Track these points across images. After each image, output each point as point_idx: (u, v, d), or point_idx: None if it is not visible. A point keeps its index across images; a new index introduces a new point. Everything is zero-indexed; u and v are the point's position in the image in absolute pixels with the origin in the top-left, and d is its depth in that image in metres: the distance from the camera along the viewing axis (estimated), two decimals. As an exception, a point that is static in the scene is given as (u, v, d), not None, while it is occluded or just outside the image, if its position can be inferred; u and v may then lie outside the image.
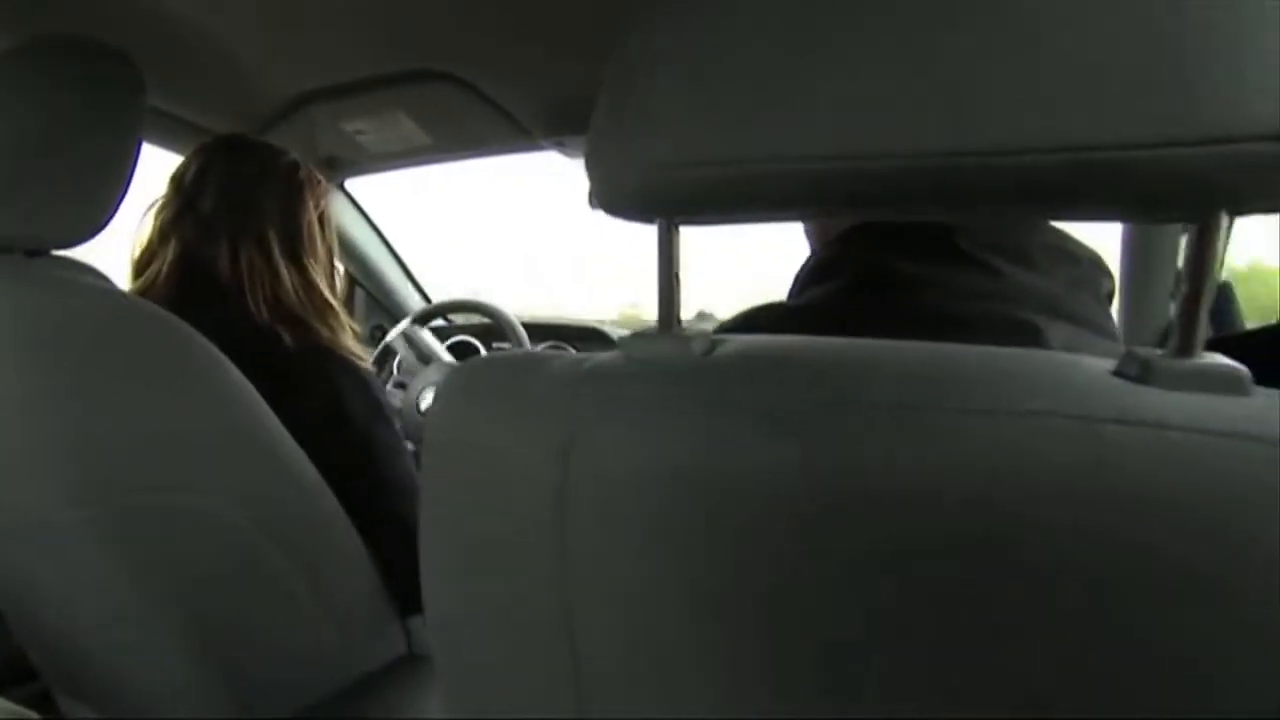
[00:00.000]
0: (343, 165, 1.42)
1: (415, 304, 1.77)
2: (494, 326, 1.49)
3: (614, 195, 0.32)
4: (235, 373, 0.64)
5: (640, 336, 0.32)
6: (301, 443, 0.70)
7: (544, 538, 0.30)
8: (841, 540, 0.26)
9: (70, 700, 0.88)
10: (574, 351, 1.52)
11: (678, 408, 0.29)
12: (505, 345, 1.46)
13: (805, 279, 0.46)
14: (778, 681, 0.28)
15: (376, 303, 1.75)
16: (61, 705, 0.89)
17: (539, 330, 1.54)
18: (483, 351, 1.52)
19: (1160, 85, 0.24)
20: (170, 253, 0.77)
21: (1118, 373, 0.26)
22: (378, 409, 0.83)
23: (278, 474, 0.67)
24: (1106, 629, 0.23)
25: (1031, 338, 0.36)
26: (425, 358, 1.46)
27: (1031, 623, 0.24)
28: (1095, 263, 0.42)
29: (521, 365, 0.33)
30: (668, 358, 0.30)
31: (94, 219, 0.63)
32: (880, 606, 0.26)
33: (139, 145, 0.66)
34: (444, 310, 1.57)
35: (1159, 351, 0.26)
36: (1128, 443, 0.23)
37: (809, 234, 0.55)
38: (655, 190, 0.30)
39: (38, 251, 0.62)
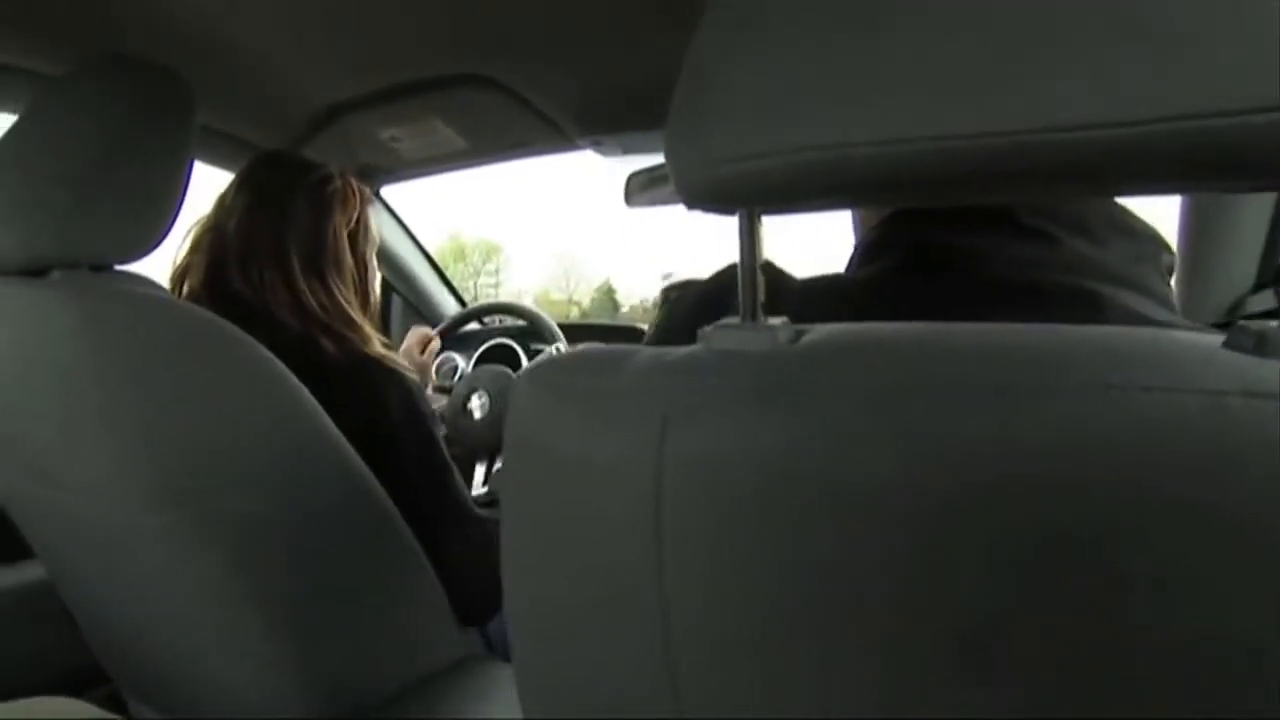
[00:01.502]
0: (379, 173, 1.44)
1: (450, 309, 1.79)
2: (529, 328, 1.50)
3: (694, 188, 0.31)
4: (292, 378, 0.65)
5: (722, 328, 0.32)
6: None
7: (638, 531, 0.30)
8: (948, 526, 0.26)
9: (139, 704, 0.91)
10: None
11: (773, 396, 0.28)
12: (543, 347, 1.46)
13: (857, 261, 0.46)
14: (878, 671, 0.28)
15: (412, 309, 1.77)
16: (131, 709, 0.92)
17: (573, 331, 1.55)
18: (520, 353, 1.53)
19: (1268, 49, 0.23)
20: (198, 270, 0.80)
21: (1228, 345, 0.26)
22: (419, 418, 0.82)
23: (338, 478, 0.68)
24: (1238, 608, 0.22)
25: (1095, 305, 0.36)
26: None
27: (1160, 604, 0.23)
28: (1154, 238, 0.42)
29: (603, 361, 0.33)
30: (753, 348, 0.30)
31: (153, 234, 0.64)
32: (991, 592, 0.26)
33: (192, 161, 0.67)
34: (481, 313, 1.59)
35: (1273, 324, 0.25)
36: (1257, 417, 0.22)
37: (856, 219, 0.55)
38: (734, 181, 0.30)
39: (102, 266, 0.63)
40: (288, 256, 0.81)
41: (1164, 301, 0.39)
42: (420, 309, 1.76)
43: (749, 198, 0.31)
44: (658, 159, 1.28)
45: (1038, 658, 0.26)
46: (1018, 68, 0.25)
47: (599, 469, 0.31)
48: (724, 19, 0.31)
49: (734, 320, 0.32)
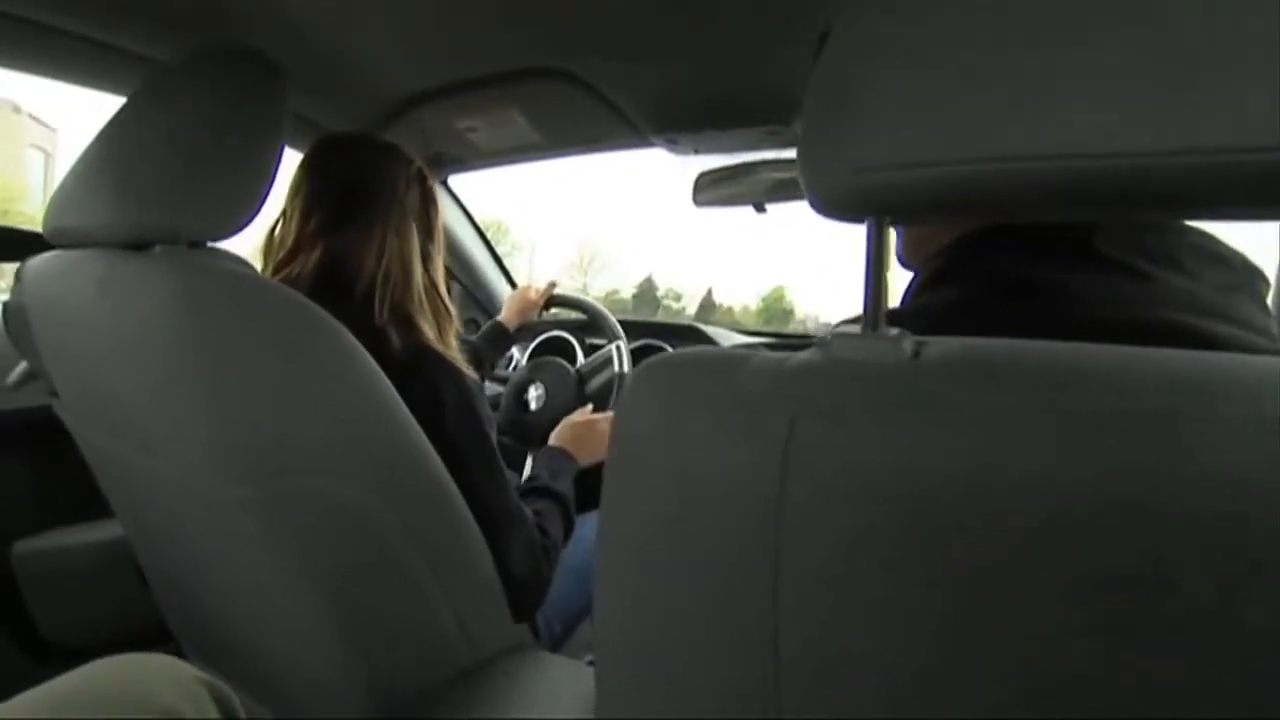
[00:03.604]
0: (448, 162, 1.46)
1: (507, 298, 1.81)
2: (587, 322, 1.50)
3: (827, 196, 0.31)
4: (372, 362, 0.67)
5: (843, 337, 0.31)
6: None
7: (756, 537, 0.30)
8: (1072, 551, 0.25)
9: (199, 665, 0.94)
10: (669, 349, 1.51)
11: (897, 410, 0.28)
12: (600, 341, 1.47)
13: (923, 283, 0.45)
14: (999, 696, 0.27)
15: (471, 296, 1.79)
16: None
17: (631, 327, 1.55)
18: (577, 346, 1.54)
19: None
20: (317, 252, 0.80)
21: None
22: (475, 418, 0.82)
23: (408, 462, 0.69)
24: None
25: (1194, 342, 0.34)
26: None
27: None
28: (1248, 266, 0.40)
29: (720, 365, 0.33)
30: (876, 359, 0.29)
31: (246, 213, 0.66)
32: (1106, 625, 0.25)
33: (283, 144, 0.69)
34: (568, 304, 1.58)
35: None
36: None
37: (900, 237, 0.53)
38: (869, 190, 0.30)
39: (198, 243, 0.65)
40: (411, 243, 0.83)
41: (1262, 331, 0.37)
42: (478, 298, 1.78)
43: (883, 207, 0.30)
44: (728, 159, 1.27)
45: (1123, 691, 0.25)
46: (1175, 88, 0.24)
47: (718, 474, 0.31)
48: (857, 28, 0.31)
49: (854, 328, 0.31)
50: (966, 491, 0.26)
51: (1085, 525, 0.25)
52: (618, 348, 1.31)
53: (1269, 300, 0.45)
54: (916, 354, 0.29)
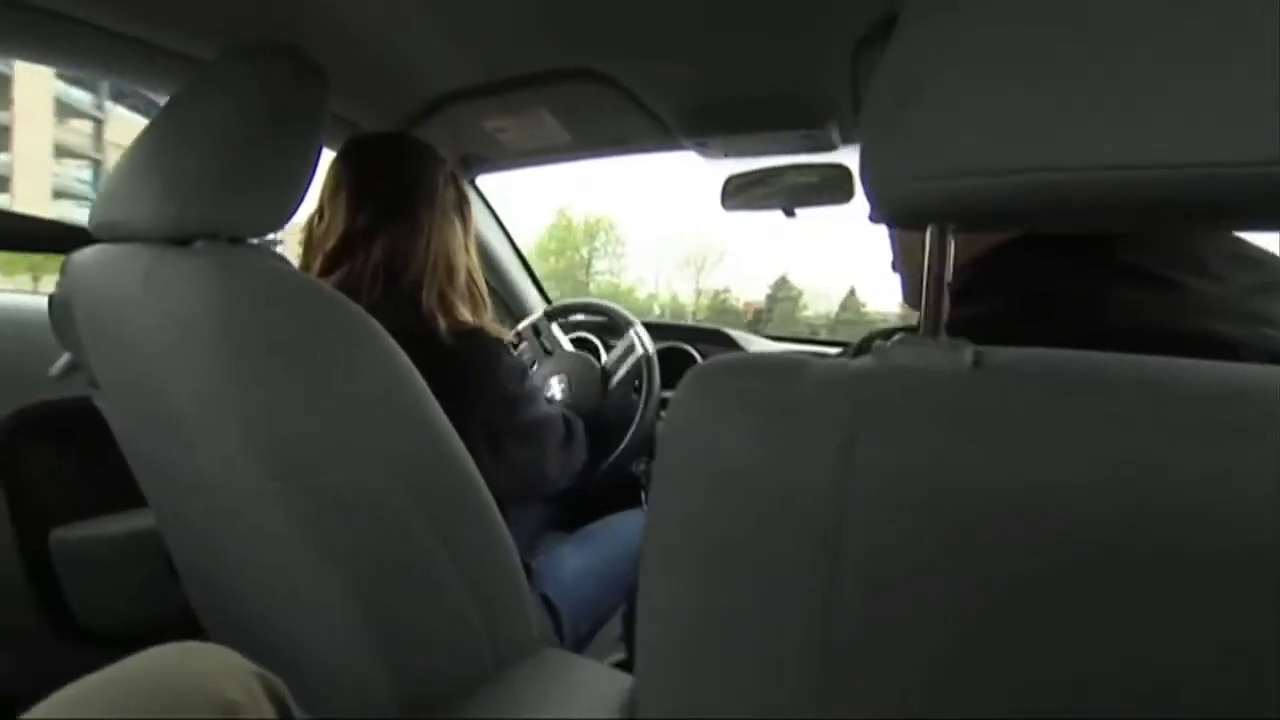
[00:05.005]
0: (477, 162, 1.47)
1: (535, 301, 1.81)
2: (610, 324, 1.50)
3: (888, 202, 0.31)
4: (407, 361, 0.67)
5: (902, 343, 0.30)
6: (449, 415, 0.72)
7: (811, 544, 0.29)
8: (1143, 560, 0.24)
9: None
10: (694, 351, 1.50)
11: (960, 418, 0.27)
12: (615, 342, 1.46)
13: (954, 298, 0.44)
14: (1059, 707, 0.26)
15: (498, 299, 1.80)
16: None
17: (658, 330, 1.54)
18: (601, 348, 1.54)
19: None
20: (376, 246, 0.84)
21: None
22: (524, 373, 0.91)
23: (439, 462, 0.69)
24: None
25: (1223, 350, 0.34)
26: (548, 350, 1.49)
27: None
28: (1278, 266, 0.39)
29: (777, 369, 0.32)
30: (936, 366, 0.29)
31: (286, 209, 0.67)
32: (1184, 637, 0.24)
33: (320, 143, 0.70)
34: (571, 310, 1.59)
35: None
36: None
37: (895, 249, 0.52)
38: (932, 197, 0.29)
39: (239, 239, 0.66)
40: (456, 240, 0.88)
41: None
42: (507, 301, 1.78)
43: (944, 214, 0.30)
44: (758, 162, 1.27)
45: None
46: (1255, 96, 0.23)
47: (772, 480, 0.30)
48: (924, 32, 0.30)
49: (914, 335, 0.31)
50: (1031, 500, 0.26)
51: (1154, 535, 0.24)
52: (635, 333, 1.32)
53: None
54: (977, 362, 0.29)
